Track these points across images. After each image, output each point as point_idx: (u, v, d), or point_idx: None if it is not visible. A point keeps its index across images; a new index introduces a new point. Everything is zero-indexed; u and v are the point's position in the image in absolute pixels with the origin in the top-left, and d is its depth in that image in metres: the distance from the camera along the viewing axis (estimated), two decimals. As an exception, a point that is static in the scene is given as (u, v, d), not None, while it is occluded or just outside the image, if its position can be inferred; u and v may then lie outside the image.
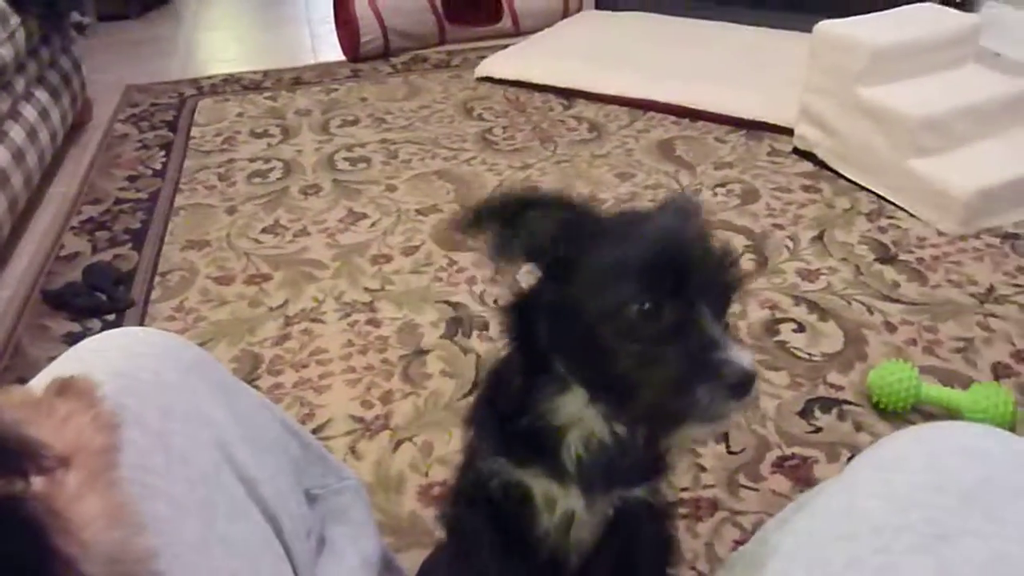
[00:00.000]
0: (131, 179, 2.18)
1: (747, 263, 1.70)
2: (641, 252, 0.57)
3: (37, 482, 0.46)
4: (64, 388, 0.54)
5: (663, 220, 0.62)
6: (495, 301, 1.57)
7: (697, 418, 0.54)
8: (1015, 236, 1.76)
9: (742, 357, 0.53)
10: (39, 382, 0.60)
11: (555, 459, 0.67)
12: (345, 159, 2.23)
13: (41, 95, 2.15)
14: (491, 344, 1.49)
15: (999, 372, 1.38)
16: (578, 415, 0.64)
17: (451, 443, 1.27)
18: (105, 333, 0.66)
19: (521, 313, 0.63)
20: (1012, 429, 1.21)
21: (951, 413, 1.27)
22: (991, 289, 1.60)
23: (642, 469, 0.70)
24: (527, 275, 0.62)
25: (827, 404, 1.33)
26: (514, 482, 0.70)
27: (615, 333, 0.56)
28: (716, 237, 0.61)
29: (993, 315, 1.52)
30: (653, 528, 0.74)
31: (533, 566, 0.74)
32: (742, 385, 0.53)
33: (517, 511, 0.71)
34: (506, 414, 0.68)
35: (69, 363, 0.62)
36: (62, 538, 0.43)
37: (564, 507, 0.69)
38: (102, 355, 0.62)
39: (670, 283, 0.55)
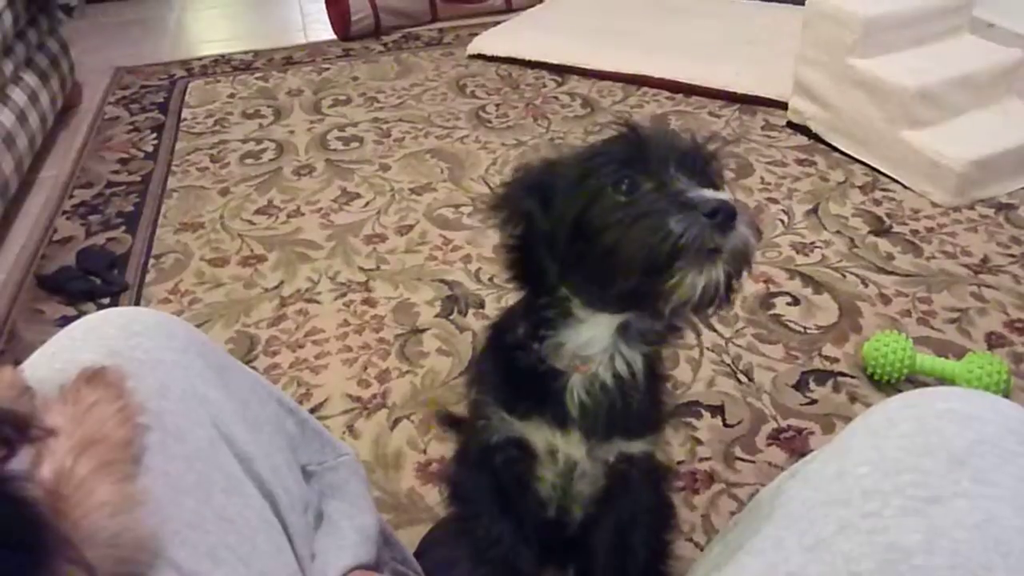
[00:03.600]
0: (123, 162, 2.17)
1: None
2: (609, 145, 0.61)
3: (44, 469, 0.47)
4: (93, 377, 0.55)
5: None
6: (491, 279, 1.58)
7: (685, 255, 0.54)
8: (1009, 206, 1.76)
9: (714, 193, 0.54)
10: (32, 363, 0.61)
11: (558, 406, 0.68)
12: (337, 139, 2.22)
13: (30, 78, 2.14)
14: (487, 321, 1.49)
15: (993, 342, 1.39)
16: (583, 348, 0.66)
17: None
18: (99, 313, 0.66)
19: (521, 255, 0.65)
20: (1006, 398, 1.22)
21: (945, 383, 1.27)
22: (985, 259, 1.60)
23: (641, 421, 0.71)
24: None
25: (822, 376, 1.34)
26: (515, 437, 0.71)
27: (601, 215, 0.58)
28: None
29: (987, 285, 1.53)
30: (651, 492, 0.75)
31: (536, 528, 0.74)
32: (719, 213, 0.53)
33: (519, 470, 0.72)
34: (509, 364, 0.70)
35: (63, 343, 0.62)
36: (58, 519, 0.43)
37: (566, 455, 0.70)
38: (96, 335, 0.62)
39: (640, 159, 0.59)
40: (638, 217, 0.56)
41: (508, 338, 0.70)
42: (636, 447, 0.71)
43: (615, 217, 0.57)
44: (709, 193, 0.55)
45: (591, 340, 0.66)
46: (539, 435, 0.70)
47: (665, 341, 0.70)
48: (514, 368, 0.69)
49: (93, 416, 0.51)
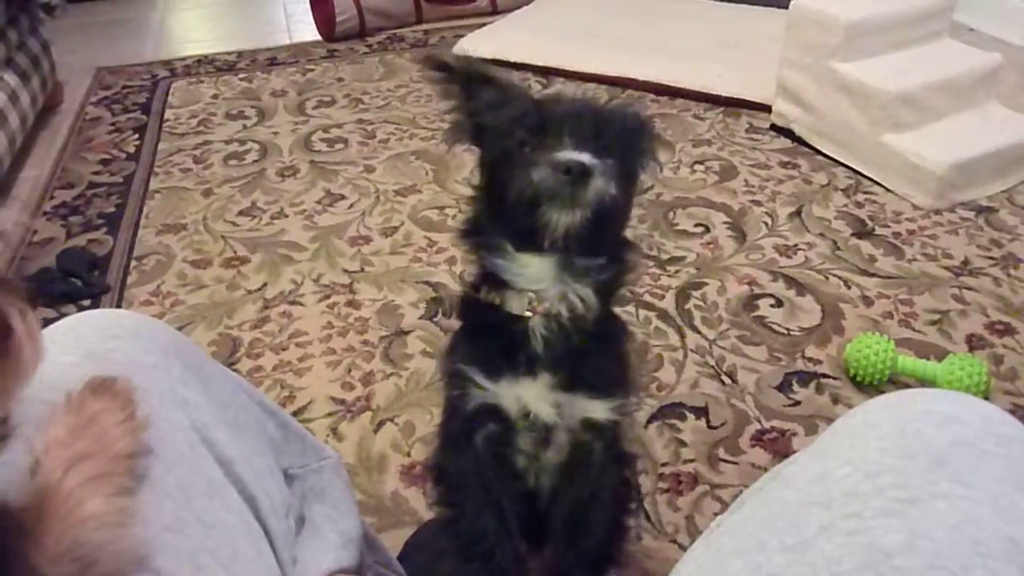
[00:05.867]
0: (104, 163, 2.16)
1: (726, 240, 1.71)
2: (526, 109, 0.74)
3: (35, 480, 0.46)
4: (100, 387, 0.54)
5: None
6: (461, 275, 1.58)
7: (544, 198, 0.67)
8: (989, 209, 1.78)
9: (573, 154, 0.67)
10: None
11: (525, 352, 0.74)
12: (322, 140, 2.21)
13: (10, 78, 2.11)
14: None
15: (973, 344, 1.40)
16: (532, 285, 0.74)
17: (432, 422, 1.27)
18: (78, 315, 0.65)
19: (475, 215, 0.79)
20: (986, 400, 1.23)
21: (926, 385, 1.28)
22: (966, 262, 1.61)
23: (605, 375, 0.76)
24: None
25: (805, 378, 1.34)
26: (491, 404, 0.74)
27: (505, 166, 0.72)
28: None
29: (968, 288, 1.54)
30: (612, 470, 0.77)
31: (517, 516, 0.76)
32: (569, 170, 0.66)
33: (499, 443, 0.75)
34: (476, 323, 0.79)
35: (41, 346, 0.61)
36: (37, 532, 0.43)
37: (535, 411, 0.74)
38: (75, 337, 0.61)
39: (542, 126, 0.71)
40: (521, 169, 0.70)
41: (470, 296, 0.78)
42: (601, 410, 0.75)
43: (511, 170, 0.71)
44: (567, 154, 0.67)
45: (536, 277, 0.73)
46: (510, 393, 0.74)
47: (615, 277, 0.76)
48: (481, 325, 0.77)
49: (94, 427, 0.51)
